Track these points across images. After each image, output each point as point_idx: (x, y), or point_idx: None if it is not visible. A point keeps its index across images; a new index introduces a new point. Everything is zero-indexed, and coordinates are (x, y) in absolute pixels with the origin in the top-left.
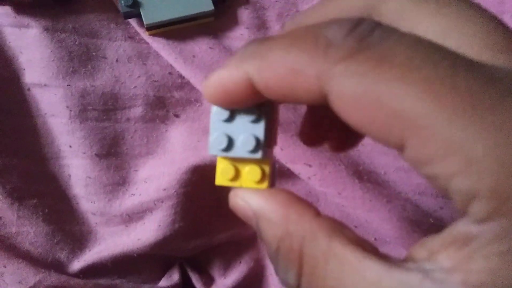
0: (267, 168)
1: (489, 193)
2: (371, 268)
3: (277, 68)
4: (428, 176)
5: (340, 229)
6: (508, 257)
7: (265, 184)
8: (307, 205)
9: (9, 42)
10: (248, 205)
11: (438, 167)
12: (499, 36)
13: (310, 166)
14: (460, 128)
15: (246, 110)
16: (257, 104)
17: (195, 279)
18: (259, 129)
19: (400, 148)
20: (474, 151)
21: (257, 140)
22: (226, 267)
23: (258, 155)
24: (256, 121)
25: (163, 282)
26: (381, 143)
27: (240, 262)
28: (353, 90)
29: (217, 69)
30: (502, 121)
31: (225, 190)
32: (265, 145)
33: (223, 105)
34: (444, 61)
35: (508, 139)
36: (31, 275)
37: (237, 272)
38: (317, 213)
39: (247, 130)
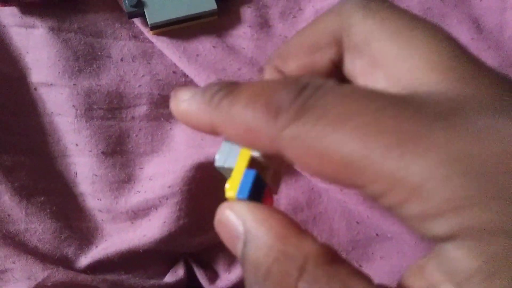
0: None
1: (444, 212)
2: None
3: (238, 126)
4: (386, 208)
5: (338, 256)
6: (485, 271)
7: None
8: (305, 229)
9: (16, 42)
10: (240, 220)
11: (389, 200)
12: (445, 56)
13: None
14: (393, 161)
15: None
16: None
17: (200, 274)
18: None
19: (354, 187)
20: (412, 178)
21: None
22: (231, 262)
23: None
24: None
25: (169, 277)
26: (339, 185)
27: None
28: (302, 149)
29: (186, 94)
30: (431, 144)
31: None
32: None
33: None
34: (371, 105)
35: (439, 157)
36: (40, 271)
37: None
38: (315, 238)
39: None
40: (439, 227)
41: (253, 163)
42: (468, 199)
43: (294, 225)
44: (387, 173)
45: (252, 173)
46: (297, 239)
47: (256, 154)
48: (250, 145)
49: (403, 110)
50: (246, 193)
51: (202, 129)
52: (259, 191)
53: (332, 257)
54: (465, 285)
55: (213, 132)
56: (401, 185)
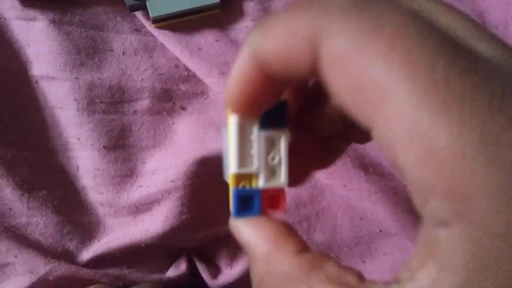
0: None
1: (446, 190)
2: None
3: (276, 34)
4: (392, 164)
5: (321, 265)
6: (472, 269)
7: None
8: (294, 239)
9: (17, 35)
10: (240, 236)
11: (399, 154)
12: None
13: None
14: (426, 114)
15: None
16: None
17: (202, 269)
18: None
19: (368, 127)
20: (436, 140)
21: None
22: (233, 257)
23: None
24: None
25: (171, 272)
26: (353, 117)
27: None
28: (341, 50)
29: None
30: (470, 114)
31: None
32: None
33: (246, 108)
34: (429, 40)
35: (473, 134)
36: (42, 265)
37: (243, 262)
38: (300, 249)
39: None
40: (443, 209)
41: (238, 178)
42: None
43: (281, 236)
44: (410, 122)
45: (234, 191)
46: (278, 253)
47: (236, 170)
48: (287, 62)
49: (456, 63)
50: (235, 213)
51: (251, 73)
52: (250, 203)
53: (311, 269)
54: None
55: (259, 72)
56: (419, 142)
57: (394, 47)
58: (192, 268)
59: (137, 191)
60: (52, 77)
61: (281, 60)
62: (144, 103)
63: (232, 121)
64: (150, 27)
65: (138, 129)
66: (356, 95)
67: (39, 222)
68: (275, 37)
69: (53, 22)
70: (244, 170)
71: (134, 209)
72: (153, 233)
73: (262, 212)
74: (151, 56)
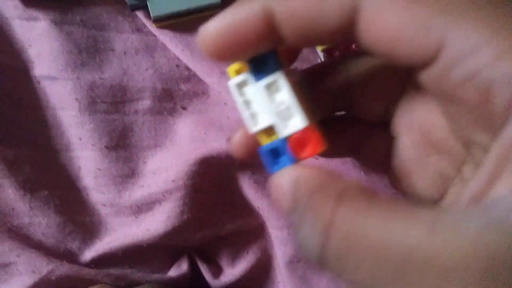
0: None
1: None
2: (422, 211)
3: None
4: (467, 75)
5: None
6: None
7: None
8: (334, 182)
9: (18, 35)
10: (291, 176)
11: (483, 53)
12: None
13: (316, 158)
14: (499, 18)
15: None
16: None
17: (203, 269)
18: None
19: (433, 54)
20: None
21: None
22: (234, 257)
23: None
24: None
25: (172, 271)
26: (408, 55)
27: (248, 252)
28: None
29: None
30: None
31: (233, 181)
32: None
33: (226, 53)
34: None
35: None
36: (44, 265)
37: (245, 262)
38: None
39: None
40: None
41: (261, 137)
42: None
43: (316, 183)
44: (489, 23)
45: (259, 150)
46: (337, 176)
47: (253, 130)
48: (316, 18)
49: None
50: (269, 169)
51: (253, 24)
52: (280, 155)
53: (370, 193)
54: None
55: (265, 25)
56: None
57: None
58: (193, 268)
59: (139, 191)
60: (54, 77)
61: (305, 22)
62: (145, 103)
63: (231, 86)
64: (151, 26)
65: (139, 129)
66: (416, 29)
67: (41, 222)
68: None
69: (54, 22)
70: (259, 127)
71: (136, 209)
72: (154, 233)
73: (298, 159)
74: (152, 56)
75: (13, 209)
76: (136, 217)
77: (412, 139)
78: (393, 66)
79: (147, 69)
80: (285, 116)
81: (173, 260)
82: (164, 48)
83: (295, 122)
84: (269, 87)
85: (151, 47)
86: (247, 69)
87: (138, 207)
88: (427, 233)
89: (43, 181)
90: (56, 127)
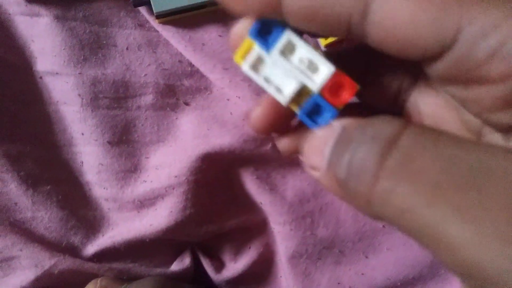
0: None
1: None
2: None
3: None
4: (491, 51)
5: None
6: None
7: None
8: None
9: (21, 31)
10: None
11: (506, 25)
12: None
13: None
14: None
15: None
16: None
17: (206, 263)
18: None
19: (453, 36)
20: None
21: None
22: (237, 252)
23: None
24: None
25: (175, 266)
26: (425, 43)
27: (250, 247)
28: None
29: None
30: None
31: (236, 176)
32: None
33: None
34: None
35: None
36: (47, 259)
37: (247, 257)
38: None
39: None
40: None
41: (295, 103)
42: None
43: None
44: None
45: (298, 115)
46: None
47: (286, 101)
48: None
49: None
50: (312, 125)
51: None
52: (320, 109)
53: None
54: None
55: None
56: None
57: None
58: (196, 263)
59: (141, 186)
60: (57, 73)
61: (319, 6)
62: (147, 99)
63: (245, 71)
64: (153, 22)
65: (142, 125)
66: (434, 14)
67: (44, 217)
68: None
69: (57, 17)
70: (289, 94)
71: (138, 204)
72: (157, 227)
73: (338, 107)
74: (155, 51)
75: (15, 203)
76: (139, 212)
77: (435, 101)
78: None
79: (149, 65)
80: (310, 72)
81: (175, 254)
82: (167, 44)
83: (322, 71)
84: (283, 51)
85: (154, 43)
86: (253, 45)
87: (140, 202)
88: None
89: (45, 176)
90: (58, 122)
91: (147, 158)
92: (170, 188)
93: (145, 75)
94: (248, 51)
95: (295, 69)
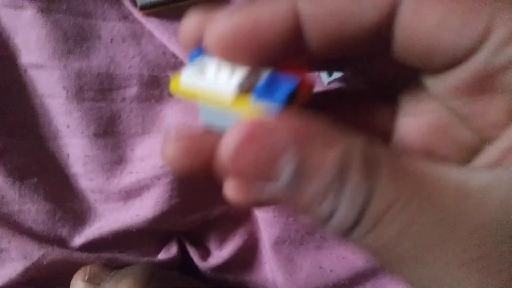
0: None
1: None
2: (452, 172)
3: None
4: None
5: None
6: None
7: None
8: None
9: (4, 23)
10: (286, 132)
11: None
12: None
13: None
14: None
15: None
16: None
17: (192, 252)
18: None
19: (481, 39)
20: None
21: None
22: (222, 240)
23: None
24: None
25: (162, 255)
26: (452, 46)
27: (235, 235)
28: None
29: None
30: None
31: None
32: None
33: (239, 53)
34: None
35: None
36: (35, 250)
37: (232, 244)
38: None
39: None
40: None
41: (239, 101)
42: None
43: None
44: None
45: (255, 100)
46: (351, 131)
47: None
48: (351, 17)
49: None
50: (281, 100)
51: (276, 24)
52: (277, 85)
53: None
54: None
55: (290, 25)
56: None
57: None
58: (182, 251)
59: (127, 177)
60: (41, 66)
61: (339, 21)
62: (132, 90)
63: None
64: (137, 14)
65: (127, 116)
66: (459, 18)
67: (31, 209)
68: None
69: (41, 10)
70: (238, 80)
71: (125, 195)
72: (143, 218)
73: (300, 80)
74: (139, 43)
75: (2, 196)
76: (125, 203)
77: (420, 124)
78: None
79: (133, 57)
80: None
81: (162, 244)
82: (151, 35)
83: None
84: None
85: (138, 35)
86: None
87: (126, 193)
88: (458, 197)
89: (32, 169)
90: (44, 115)
91: (133, 149)
92: (155, 179)
93: (130, 67)
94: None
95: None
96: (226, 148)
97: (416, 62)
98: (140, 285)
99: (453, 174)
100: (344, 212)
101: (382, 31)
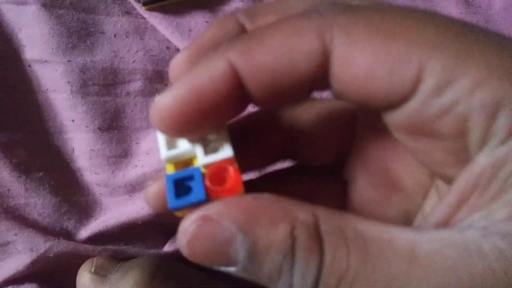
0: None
1: None
2: (401, 236)
3: (271, 43)
4: (444, 108)
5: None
6: None
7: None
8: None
9: (8, 19)
10: (229, 222)
11: (460, 84)
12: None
13: None
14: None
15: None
16: None
17: None
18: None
19: (412, 88)
20: (492, 60)
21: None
22: None
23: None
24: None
25: (167, 247)
26: (385, 93)
27: None
28: (364, 32)
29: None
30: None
31: None
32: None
33: (187, 125)
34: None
35: None
36: (42, 243)
37: None
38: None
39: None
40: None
41: (175, 165)
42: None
43: (285, 199)
44: (463, 52)
45: (167, 177)
46: (299, 205)
47: (166, 154)
48: (287, 69)
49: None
50: (171, 202)
51: (217, 86)
52: (190, 187)
53: (340, 212)
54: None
55: (230, 85)
56: (478, 65)
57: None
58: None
59: (133, 171)
60: (45, 61)
61: (275, 75)
62: (136, 85)
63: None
64: (140, 9)
65: (132, 111)
66: (393, 63)
67: (37, 203)
68: (270, 46)
69: (44, 5)
70: (176, 152)
71: (130, 188)
72: (149, 210)
73: (210, 196)
74: (142, 38)
75: (8, 190)
76: (131, 196)
77: (370, 180)
78: (357, 108)
79: (137, 51)
80: (210, 147)
81: (167, 236)
82: (154, 30)
83: (221, 152)
84: None
85: (141, 30)
86: None
87: (132, 186)
88: (406, 265)
89: (37, 163)
90: (49, 110)
91: (138, 143)
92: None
93: (133, 61)
94: None
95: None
96: (181, 241)
97: (356, 103)
98: (147, 277)
99: (403, 237)
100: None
101: (318, 80)
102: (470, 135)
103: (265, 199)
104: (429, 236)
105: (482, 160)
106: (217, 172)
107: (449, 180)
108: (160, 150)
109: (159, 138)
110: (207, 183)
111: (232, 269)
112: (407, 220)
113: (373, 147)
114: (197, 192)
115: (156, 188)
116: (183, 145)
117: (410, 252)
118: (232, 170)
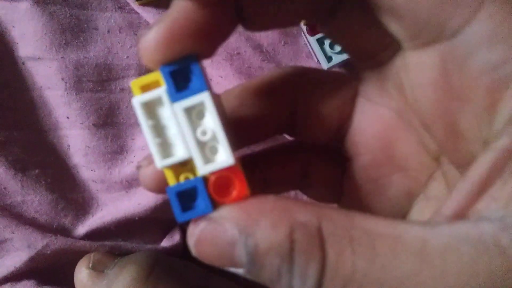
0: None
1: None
2: (410, 231)
3: None
4: (483, 68)
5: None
6: None
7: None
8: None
9: (0, 16)
10: (231, 225)
11: (504, 47)
12: None
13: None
14: None
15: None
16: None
17: None
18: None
19: (460, 26)
20: None
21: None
22: None
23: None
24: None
25: (165, 242)
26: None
27: None
28: None
29: None
30: None
31: None
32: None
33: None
34: None
35: None
36: (39, 240)
37: None
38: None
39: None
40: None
41: (174, 172)
42: None
43: (287, 199)
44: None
45: (169, 190)
46: (302, 206)
47: (162, 163)
48: None
49: None
50: (178, 216)
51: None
52: (195, 199)
53: (347, 211)
54: None
55: None
56: None
57: None
58: (185, 238)
59: (128, 167)
60: (39, 58)
61: None
62: (131, 81)
63: (134, 104)
64: (134, 4)
65: (126, 106)
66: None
67: (34, 200)
68: None
69: (36, 2)
70: (171, 161)
71: (126, 184)
72: (145, 206)
73: (218, 204)
74: (136, 33)
75: (5, 188)
76: (127, 192)
77: (371, 157)
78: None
79: (131, 47)
80: (209, 149)
81: (165, 231)
82: (147, 25)
83: (221, 158)
84: (189, 110)
85: (135, 25)
86: (161, 83)
87: (128, 182)
88: (417, 263)
89: (33, 160)
90: (43, 107)
91: (133, 139)
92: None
93: (127, 57)
94: (151, 86)
95: (193, 137)
96: (189, 243)
97: (400, 32)
98: (144, 272)
99: (413, 233)
100: None
101: None
102: (498, 112)
103: (268, 201)
104: (441, 231)
105: (506, 142)
106: (221, 179)
107: (459, 163)
108: (154, 159)
109: (151, 147)
110: (212, 192)
111: (240, 271)
112: (407, 201)
113: (375, 124)
114: (203, 205)
115: (152, 169)
116: (178, 151)
117: (422, 249)
118: (236, 180)
